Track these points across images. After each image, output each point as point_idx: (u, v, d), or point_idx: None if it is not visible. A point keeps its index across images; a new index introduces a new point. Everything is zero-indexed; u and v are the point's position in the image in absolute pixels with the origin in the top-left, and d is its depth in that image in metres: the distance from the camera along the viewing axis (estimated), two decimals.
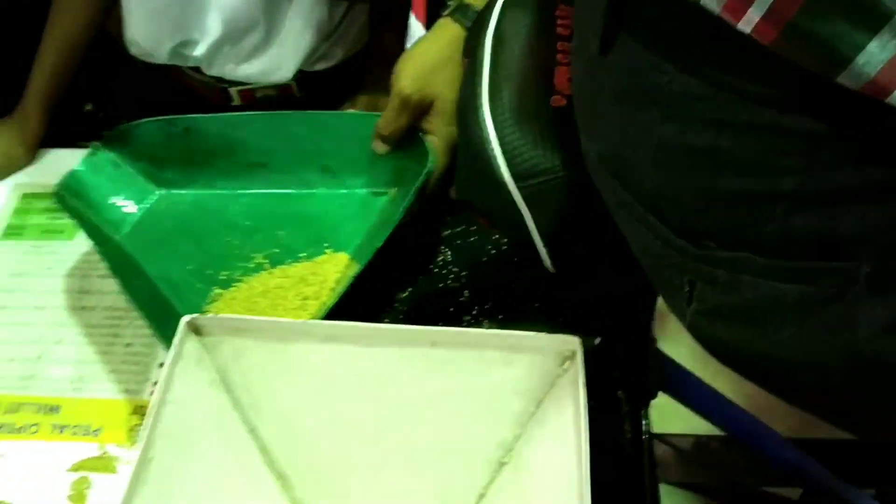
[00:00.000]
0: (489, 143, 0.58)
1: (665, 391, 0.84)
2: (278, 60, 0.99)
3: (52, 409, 0.83)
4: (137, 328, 0.89)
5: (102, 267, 0.95)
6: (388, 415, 0.60)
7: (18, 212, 1.01)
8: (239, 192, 0.94)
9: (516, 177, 0.59)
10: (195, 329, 0.59)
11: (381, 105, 0.91)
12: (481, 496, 0.61)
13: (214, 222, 0.93)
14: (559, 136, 0.59)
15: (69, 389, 0.85)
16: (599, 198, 0.56)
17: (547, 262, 0.62)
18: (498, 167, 0.59)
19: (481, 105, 0.59)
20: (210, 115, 0.91)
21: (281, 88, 1.03)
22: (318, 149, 0.91)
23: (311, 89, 1.03)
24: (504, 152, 0.58)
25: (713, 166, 0.42)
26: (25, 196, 1.03)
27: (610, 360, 0.78)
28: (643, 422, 0.80)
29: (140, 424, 0.81)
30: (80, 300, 0.92)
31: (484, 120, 0.59)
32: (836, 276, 0.40)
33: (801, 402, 0.51)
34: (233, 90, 1.05)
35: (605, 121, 0.49)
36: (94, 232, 0.87)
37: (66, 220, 0.99)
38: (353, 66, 1.06)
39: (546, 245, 0.61)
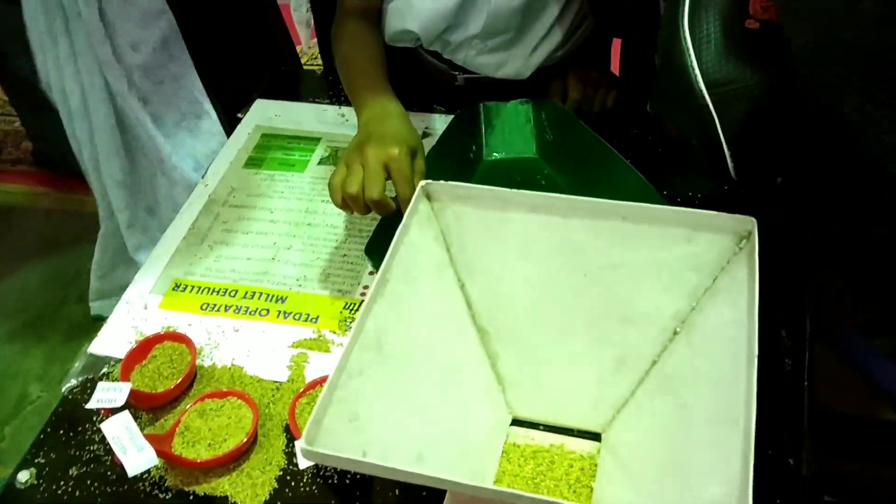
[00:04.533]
0: (688, 55, 0.69)
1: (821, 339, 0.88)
2: (516, 59, 1.11)
3: (280, 299, 0.98)
4: (353, 242, 1.04)
5: (326, 194, 1.11)
6: (577, 281, 0.70)
7: (259, 147, 1.20)
8: None
9: (709, 84, 0.68)
10: (427, 194, 0.72)
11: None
12: (654, 362, 0.70)
13: None
14: (750, 53, 0.68)
15: (295, 285, 1.00)
16: (783, 114, 0.64)
17: (730, 165, 0.70)
18: (694, 76, 0.68)
19: (682, 25, 0.69)
20: None
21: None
22: None
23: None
24: (700, 63, 0.68)
25: None
26: (264, 135, 1.22)
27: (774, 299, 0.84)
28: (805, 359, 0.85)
29: (351, 318, 0.95)
30: (306, 218, 1.08)
31: (685, 37, 0.69)
32: None
33: None
34: (460, 76, 1.19)
35: None
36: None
37: (297, 157, 1.17)
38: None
39: (730, 148, 0.69)
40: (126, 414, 0.78)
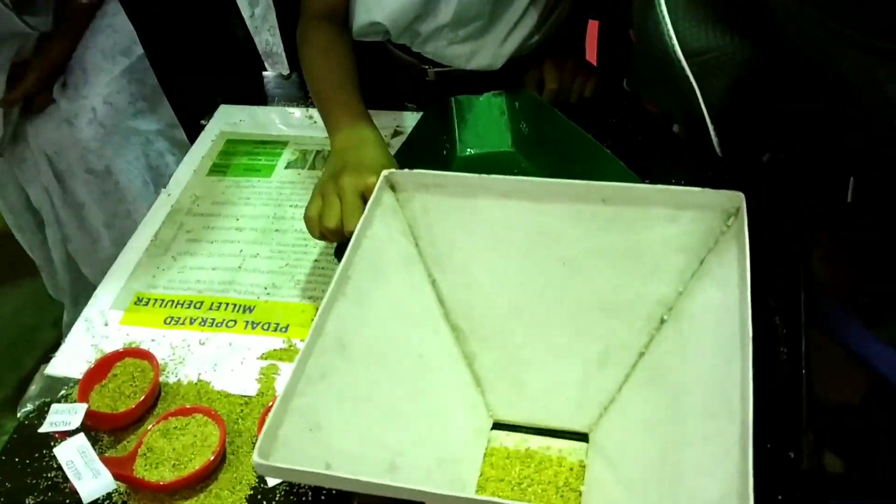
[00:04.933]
0: (664, 23, 0.64)
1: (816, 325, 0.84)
2: (488, 48, 1.07)
3: (248, 308, 0.93)
4: (324, 247, 0.99)
5: (294, 198, 1.07)
6: (556, 271, 0.65)
7: (223, 154, 1.15)
8: None
9: (687, 54, 0.64)
10: (391, 184, 0.67)
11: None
12: (641, 354, 0.65)
13: None
14: (730, 18, 0.64)
15: (263, 294, 0.95)
16: (769, 83, 0.60)
17: (715, 141, 0.66)
18: (672, 45, 0.64)
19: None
20: None
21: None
22: None
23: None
24: (677, 32, 0.64)
25: None
26: (229, 141, 1.17)
27: (766, 286, 0.80)
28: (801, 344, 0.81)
29: None
30: (274, 224, 1.03)
31: (659, 4, 0.64)
32: None
33: None
34: (431, 70, 1.14)
35: None
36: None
37: (263, 161, 1.12)
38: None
39: (713, 122, 0.65)
40: (81, 437, 0.73)
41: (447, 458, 0.63)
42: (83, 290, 1.58)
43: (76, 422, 0.75)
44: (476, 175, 0.64)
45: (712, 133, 0.65)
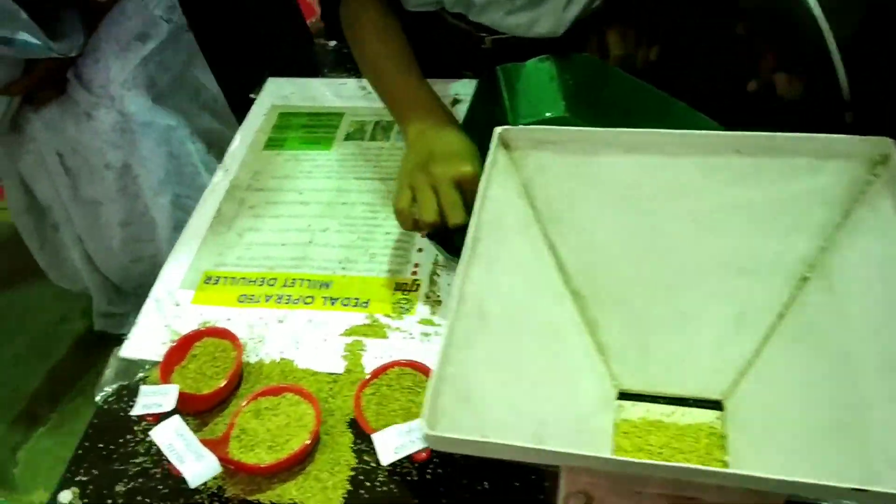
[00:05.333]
0: None
1: None
2: (550, 15, 1.02)
3: (324, 284, 0.89)
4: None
5: (357, 170, 1.03)
6: (685, 229, 0.62)
7: (277, 128, 1.11)
8: None
9: None
10: (504, 143, 0.63)
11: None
12: (781, 316, 0.61)
13: None
14: None
15: (338, 268, 0.91)
16: None
17: (843, 82, 0.62)
18: None
19: None
20: None
21: None
22: None
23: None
24: None
25: None
26: (282, 115, 1.13)
27: None
28: None
29: (404, 299, 0.86)
30: (339, 197, 1.00)
31: None
32: None
33: None
34: (488, 38, 1.10)
35: None
36: None
37: (320, 134, 1.08)
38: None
39: (843, 64, 0.61)
40: (177, 419, 0.69)
41: (583, 428, 0.59)
42: (104, 281, 1.54)
43: (169, 403, 0.71)
44: (597, 129, 0.60)
45: (841, 75, 0.61)
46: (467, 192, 0.76)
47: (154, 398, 0.72)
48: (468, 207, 0.69)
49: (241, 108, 1.17)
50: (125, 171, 1.32)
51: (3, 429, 1.82)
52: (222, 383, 0.77)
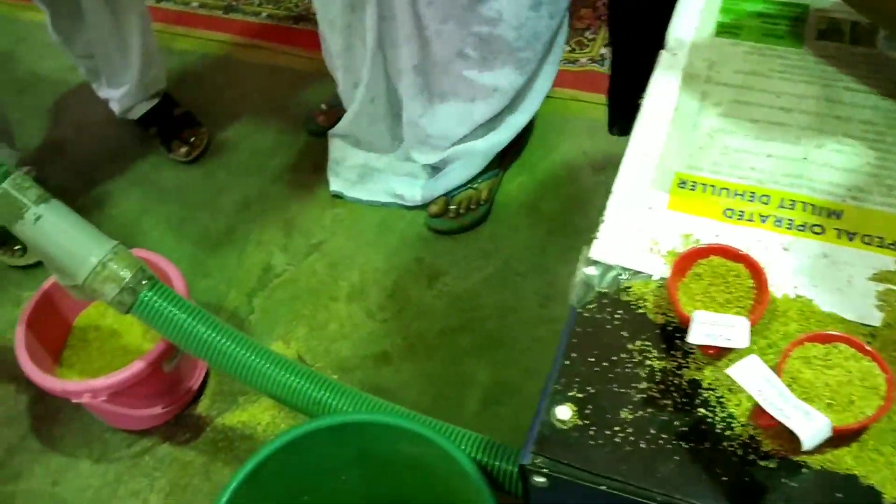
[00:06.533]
0: None
1: None
2: None
3: (834, 213, 0.75)
4: None
5: (845, 79, 0.86)
6: None
7: (725, 11, 0.95)
8: None
9: None
10: None
11: None
12: None
13: None
14: None
15: (848, 196, 0.76)
16: None
17: None
18: None
19: None
20: None
21: None
22: None
23: None
24: None
25: None
26: None
27: None
28: None
29: None
30: (830, 109, 0.84)
31: None
32: None
33: None
34: None
35: None
36: None
37: (783, 27, 0.92)
38: None
39: None
40: (756, 360, 0.58)
41: None
42: None
43: (741, 339, 0.60)
44: None
45: None
46: None
47: (716, 328, 0.60)
48: None
49: None
50: None
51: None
52: (750, 316, 0.65)
